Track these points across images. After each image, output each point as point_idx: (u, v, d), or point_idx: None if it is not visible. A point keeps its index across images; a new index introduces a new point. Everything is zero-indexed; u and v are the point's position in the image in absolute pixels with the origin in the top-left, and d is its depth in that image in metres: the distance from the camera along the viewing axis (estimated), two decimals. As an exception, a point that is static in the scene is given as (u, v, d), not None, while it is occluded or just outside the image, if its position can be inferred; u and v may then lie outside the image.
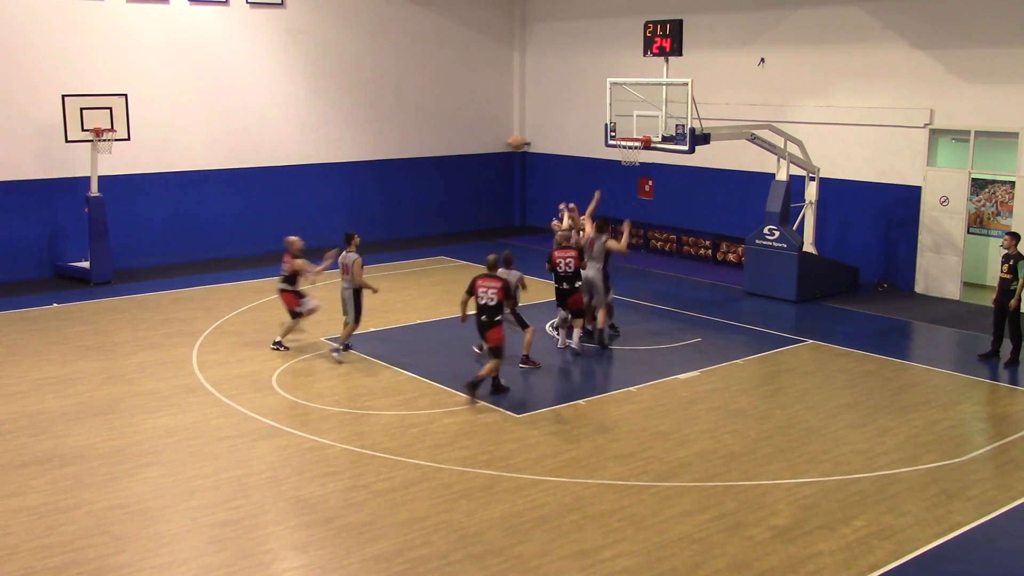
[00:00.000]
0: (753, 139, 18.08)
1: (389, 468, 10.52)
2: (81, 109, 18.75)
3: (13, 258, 19.66)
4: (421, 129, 25.09)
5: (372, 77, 24.02)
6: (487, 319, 12.63)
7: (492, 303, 12.55)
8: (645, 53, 17.52)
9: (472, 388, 12.48)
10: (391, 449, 11.04)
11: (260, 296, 18.36)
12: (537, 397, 12.94)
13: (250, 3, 21.92)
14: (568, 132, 25.62)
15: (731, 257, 21.46)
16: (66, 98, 18.63)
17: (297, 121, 23.03)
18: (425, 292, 18.84)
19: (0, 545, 8.81)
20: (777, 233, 18.22)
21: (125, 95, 19.37)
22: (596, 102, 21.45)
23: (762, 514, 9.41)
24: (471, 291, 12.68)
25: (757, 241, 18.59)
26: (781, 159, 18.29)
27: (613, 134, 17.90)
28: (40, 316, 17.01)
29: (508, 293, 12.72)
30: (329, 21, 23.15)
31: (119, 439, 11.42)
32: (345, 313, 14.59)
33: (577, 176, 25.40)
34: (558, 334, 15.12)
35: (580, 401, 12.72)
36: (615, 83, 17.95)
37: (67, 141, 18.82)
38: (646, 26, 17.45)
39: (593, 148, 23.57)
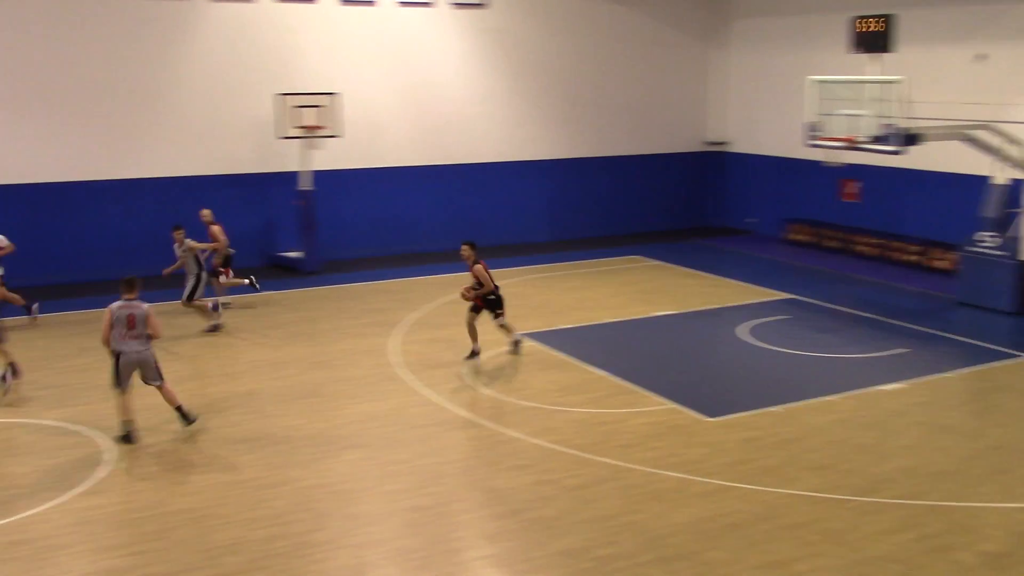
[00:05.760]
0: (969, 140, 17.03)
1: (579, 465, 10.57)
2: (294, 107, 19.86)
3: (232, 246, 20.92)
4: (617, 127, 25.03)
5: (570, 76, 24.17)
6: None
7: None
8: (854, 50, 16.84)
9: None
10: (581, 446, 11.09)
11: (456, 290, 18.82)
12: (727, 400, 12.67)
13: (454, 4, 22.53)
14: (767, 131, 24.94)
15: (942, 264, 20.29)
16: (281, 97, 19.83)
17: (497, 119, 23.47)
18: (618, 291, 18.79)
19: (215, 515, 9.43)
20: (994, 240, 17.10)
21: (336, 94, 20.33)
22: (797, 101, 20.75)
23: (971, 538, 8.85)
24: None
25: (972, 248, 17.51)
26: (1000, 162, 17.15)
27: (814, 134, 17.33)
28: (255, 301, 18.08)
29: None
30: (530, 21, 23.46)
31: (323, 422, 11.99)
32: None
33: (775, 176, 24.73)
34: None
35: (775, 408, 12.36)
36: (818, 81, 17.34)
37: (280, 137, 20.00)
38: (854, 22, 16.77)
39: (792, 148, 22.86)
